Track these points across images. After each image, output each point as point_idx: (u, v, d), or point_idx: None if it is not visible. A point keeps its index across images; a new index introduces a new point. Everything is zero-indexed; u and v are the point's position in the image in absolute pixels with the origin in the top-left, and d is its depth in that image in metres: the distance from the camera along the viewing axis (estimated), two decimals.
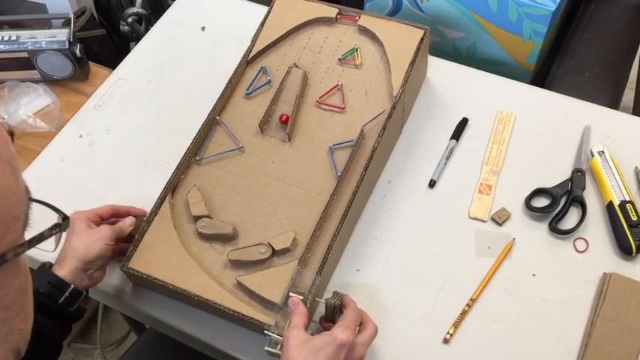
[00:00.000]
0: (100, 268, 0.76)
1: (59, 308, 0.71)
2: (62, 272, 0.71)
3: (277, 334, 0.70)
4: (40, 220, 0.43)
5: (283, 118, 0.88)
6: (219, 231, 0.80)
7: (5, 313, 0.39)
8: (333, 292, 0.75)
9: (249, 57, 0.95)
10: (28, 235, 0.40)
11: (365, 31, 0.95)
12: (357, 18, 0.96)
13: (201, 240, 0.81)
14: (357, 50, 0.94)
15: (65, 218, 0.45)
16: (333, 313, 0.73)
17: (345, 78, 0.92)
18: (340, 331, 0.65)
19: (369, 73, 0.92)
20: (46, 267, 0.73)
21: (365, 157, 0.84)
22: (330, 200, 0.81)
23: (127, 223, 0.79)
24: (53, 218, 0.46)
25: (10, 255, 0.37)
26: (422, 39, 0.92)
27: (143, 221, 0.81)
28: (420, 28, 0.92)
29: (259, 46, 0.95)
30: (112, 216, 0.81)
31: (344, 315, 0.70)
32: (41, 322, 0.68)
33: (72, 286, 0.71)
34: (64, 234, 0.47)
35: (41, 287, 0.70)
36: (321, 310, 0.77)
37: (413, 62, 0.90)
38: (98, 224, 0.78)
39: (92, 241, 0.74)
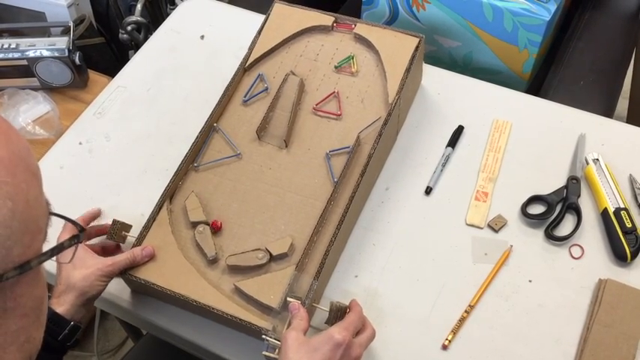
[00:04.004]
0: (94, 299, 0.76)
1: (57, 344, 0.70)
2: (62, 308, 0.71)
3: (275, 339, 0.71)
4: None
5: None
6: (204, 247, 0.80)
7: (25, 321, 0.40)
8: (337, 301, 0.74)
9: (247, 64, 0.96)
10: (46, 247, 0.42)
11: (361, 39, 0.96)
12: (353, 26, 0.97)
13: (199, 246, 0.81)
14: (353, 58, 0.95)
15: (82, 230, 0.47)
16: (336, 317, 0.73)
17: (341, 85, 0.93)
18: (337, 331, 0.66)
19: (365, 81, 0.93)
20: None
21: (361, 164, 0.85)
22: (326, 206, 0.81)
23: (144, 253, 0.78)
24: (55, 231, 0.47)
25: (35, 263, 0.39)
26: (417, 47, 0.93)
27: (126, 226, 0.84)
28: (415, 37, 0.93)
29: (256, 53, 0.96)
30: (90, 220, 0.84)
31: (347, 317, 0.70)
32: (39, 357, 0.68)
33: (72, 322, 0.71)
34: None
35: None
36: (321, 315, 0.78)
37: (408, 70, 0.91)
38: (90, 238, 0.80)
39: (94, 279, 0.73)
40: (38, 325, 0.43)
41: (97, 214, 0.87)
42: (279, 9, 1.00)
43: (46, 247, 0.42)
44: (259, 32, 0.98)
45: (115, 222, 0.82)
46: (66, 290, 0.72)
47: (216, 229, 0.81)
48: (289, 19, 0.98)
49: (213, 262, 0.79)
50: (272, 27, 0.98)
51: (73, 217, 0.88)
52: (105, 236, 0.83)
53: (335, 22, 0.97)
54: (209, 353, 0.80)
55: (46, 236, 0.42)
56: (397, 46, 0.93)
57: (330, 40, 0.97)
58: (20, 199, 0.37)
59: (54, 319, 0.70)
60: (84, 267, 0.73)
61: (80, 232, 0.46)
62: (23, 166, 0.39)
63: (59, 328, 0.70)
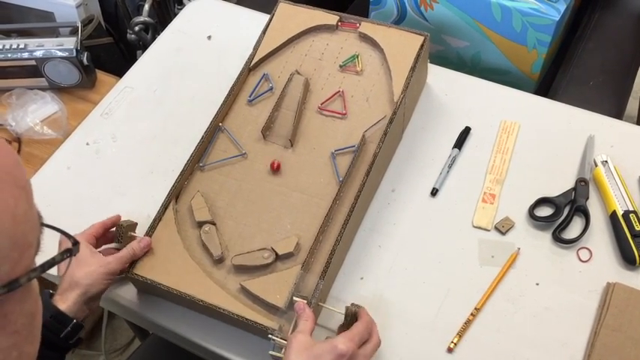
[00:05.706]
0: (98, 298, 0.76)
1: (60, 341, 0.70)
2: (64, 305, 0.71)
3: (281, 338, 0.71)
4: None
5: None
6: (210, 246, 0.80)
7: (16, 337, 0.39)
8: (352, 303, 0.73)
9: (252, 64, 0.96)
10: (39, 259, 0.41)
11: (365, 38, 0.95)
12: (358, 25, 0.96)
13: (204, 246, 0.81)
14: (357, 57, 0.94)
15: (75, 243, 0.46)
16: (351, 323, 0.72)
17: (346, 84, 0.93)
18: (341, 341, 0.65)
19: (370, 80, 0.93)
20: (47, 297, 0.72)
21: (366, 163, 0.85)
22: (332, 205, 0.81)
23: (142, 245, 0.78)
24: (51, 240, 0.45)
25: (24, 280, 0.38)
26: (422, 45, 0.92)
27: (134, 224, 0.82)
28: (420, 35, 0.93)
29: (261, 53, 0.96)
30: (104, 233, 0.81)
31: (353, 326, 0.69)
32: (41, 355, 0.68)
33: (74, 320, 0.71)
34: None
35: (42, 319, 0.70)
36: (327, 314, 0.78)
37: (413, 68, 0.90)
38: (95, 246, 0.78)
39: (97, 276, 0.73)
40: (32, 339, 0.42)
41: (117, 221, 0.84)
42: (283, 9, 0.99)
43: (40, 258, 0.41)
44: (264, 32, 0.98)
45: (119, 226, 0.82)
46: (69, 288, 0.72)
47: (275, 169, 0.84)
48: (294, 18, 0.98)
49: (219, 261, 0.79)
50: (277, 27, 0.98)
51: (77, 218, 0.89)
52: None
53: (339, 21, 0.97)
54: (214, 354, 0.80)
55: (39, 249, 0.40)
56: (402, 45, 0.92)
57: (334, 39, 0.97)
58: (6, 216, 0.36)
59: (57, 316, 0.70)
60: (87, 265, 0.74)
61: (74, 246, 0.45)
62: (10, 181, 0.37)
63: (62, 325, 0.70)
